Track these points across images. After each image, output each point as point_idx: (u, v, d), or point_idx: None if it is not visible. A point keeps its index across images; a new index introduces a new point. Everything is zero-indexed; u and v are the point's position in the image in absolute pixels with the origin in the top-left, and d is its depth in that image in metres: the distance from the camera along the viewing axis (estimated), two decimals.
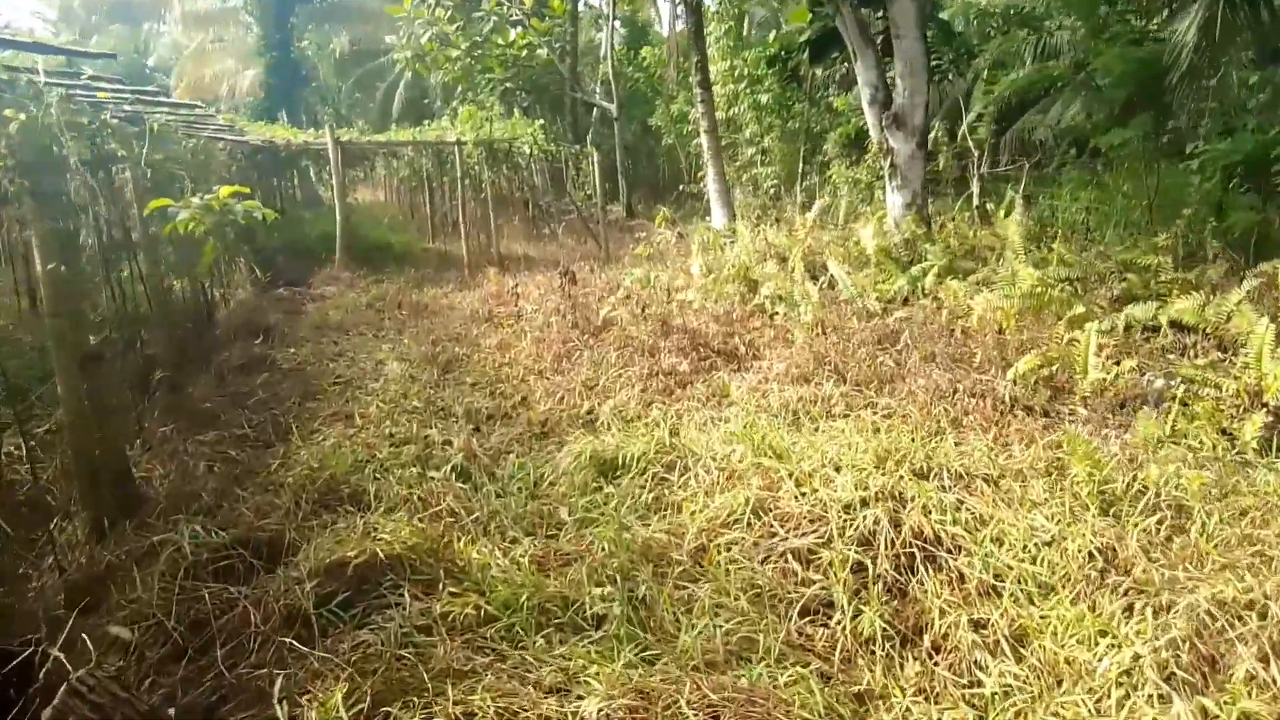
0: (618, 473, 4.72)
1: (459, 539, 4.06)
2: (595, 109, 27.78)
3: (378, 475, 4.78)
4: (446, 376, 7.45)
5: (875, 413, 6.01)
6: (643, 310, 9.09)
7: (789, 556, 3.93)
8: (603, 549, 3.99)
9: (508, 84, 21.01)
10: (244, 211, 6.63)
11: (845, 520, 4.02)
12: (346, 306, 10.37)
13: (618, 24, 23.88)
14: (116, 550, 3.96)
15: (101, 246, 6.48)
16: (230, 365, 7.44)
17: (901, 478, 4.32)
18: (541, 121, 16.31)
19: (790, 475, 4.43)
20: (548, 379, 7.25)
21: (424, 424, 5.91)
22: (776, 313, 9.13)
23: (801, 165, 18.72)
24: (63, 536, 4.23)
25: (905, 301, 9.32)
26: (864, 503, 4.10)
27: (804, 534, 4.02)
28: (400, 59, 21.32)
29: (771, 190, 19.42)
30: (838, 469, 4.53)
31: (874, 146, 14.81)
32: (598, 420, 6.13)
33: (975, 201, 14.13)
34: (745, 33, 19.53)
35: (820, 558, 3.88)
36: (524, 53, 20.80)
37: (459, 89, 21.79)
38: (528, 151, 15.48)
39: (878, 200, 14.94)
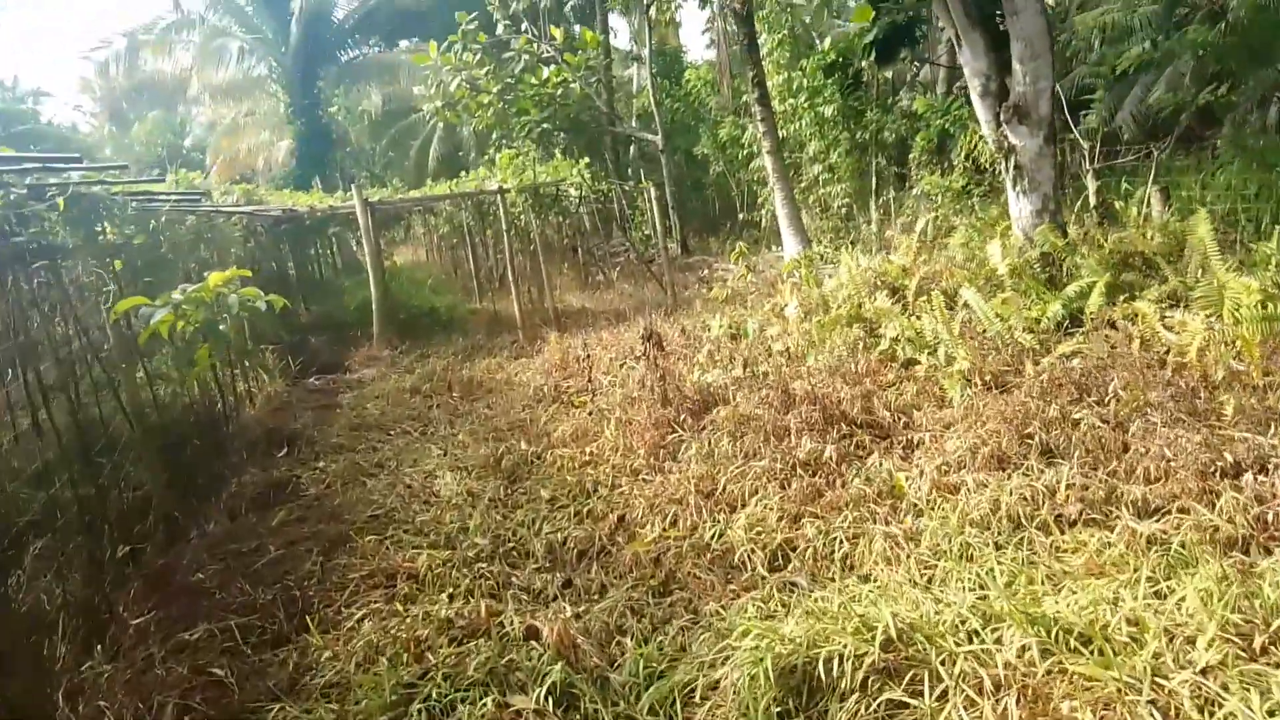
0: (818, 696, 2.91)
1: None
2: (634, 145, 26.41)
3: (433, 713, 3.07)
4: (515, 489, 5.77)
5: (1131, 512, 4.17)
6: (747, 372, 7.34)
7: None
8: None
9: (544, 125, 19.65)
10: (239, 302, 5.06)
11: None
12: (388, 394, 8.80)
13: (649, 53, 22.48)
14: None
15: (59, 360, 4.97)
16: (245, 497, 5.85)
17: None
18: (586, 160, 14.81)
19: (1126, 687, 2.61)
20: (646, 483, 5.53)
21: (494, 587, 4.21)
22: (916, 361, 7.31)
23: (875, 180, 16.92)
24: None
25: (1065, 331, 7.44)
26: None
27: None
28: (430, 109, 20.10)
29: (843, 210, 17.63)
30: (1183, 663, 2.70)
31: (981, 148, 13.00)
32: (734, 554, 4.36)
33: (1093, 200, 12.16)
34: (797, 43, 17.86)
35: None
36: (559, 90, 19.44)
37: (493, 136, 20.53)
38: (576, 194, 13.95)
39: (974, 210, 13.07)
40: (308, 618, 4.01)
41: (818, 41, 18.07)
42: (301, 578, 4.42)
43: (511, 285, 11.79)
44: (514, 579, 4.32)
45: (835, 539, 4.40)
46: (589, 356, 8.37)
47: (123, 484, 5.38)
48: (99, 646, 3.89)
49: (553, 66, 19.49)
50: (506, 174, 12.24)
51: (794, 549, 4.42)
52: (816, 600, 3.79)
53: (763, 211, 20.26)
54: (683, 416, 6.42)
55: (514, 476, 5.99)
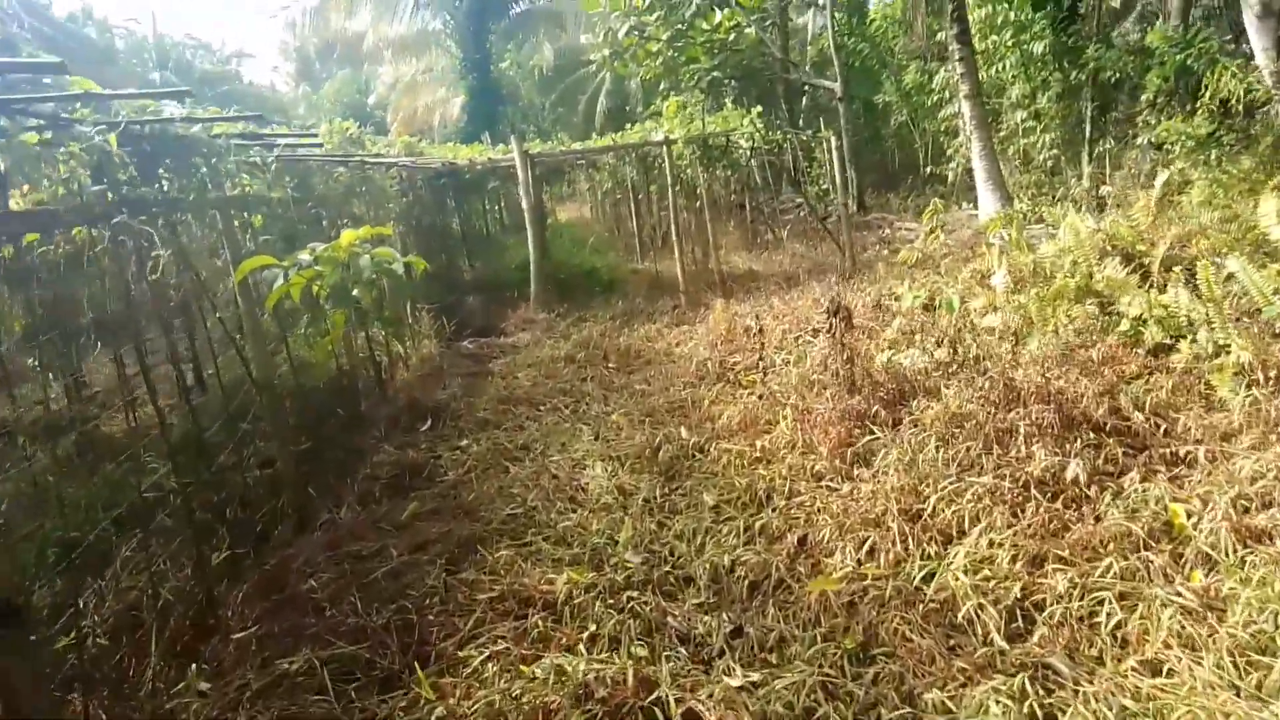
0: None
1: None
2: (806, 95, 24.72)
3: None
4: (673, 489, 4.92)
5: None
6: (953, 355, 6.15)
7: None
8: None
9: (714, 73, 18.48)
10: (371, 265, 4.43)
11: None
12: (541, 363, 8.17)
13: None
14: None
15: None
16: (379, 479, 5.32)
17: None
18: (759, 109, 13.62)
19: None
20: (832, 492, 4.54)
21: (646, 628, 3.39)
22: (1170, 348, 5.89)
23: (1089, 127, 14.75)
24: None
25: None
26: None
27: None
28: (599, 59, 19.38)
29: (1048, 163, 15.55)
30: None
31: (1233, 87, 10.88)
32: (955, 609, 3.33)
33: None
34: None
35: None
36: (730, 35, 18.18)
37: (661, 86, 19.59)
38: (748, 145, 12.82)
39: (1220, 163, 10.92)
40: (425, 652, 3.33)
41: None
42: (422, 595, 3.76)
43: (675, 245, 10.91)
44: (670, 618, 3.48)
45: (1097, 598, 3.28)
46: (760, 329, 7.36)
47: (250, 462, 4.95)
48: (194, 664, 3.37)
49: (725, 10, 18.25)
50: (673, 124, 11.31)
51: (1038, 608, 3.34)
52: (1086, 699, 2.74)
53: (951, 165, 18.33)
54: (874, 409, 5.35)
55: (672, 472, 5.14)
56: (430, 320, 9.42)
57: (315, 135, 6.06)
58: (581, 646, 3.30)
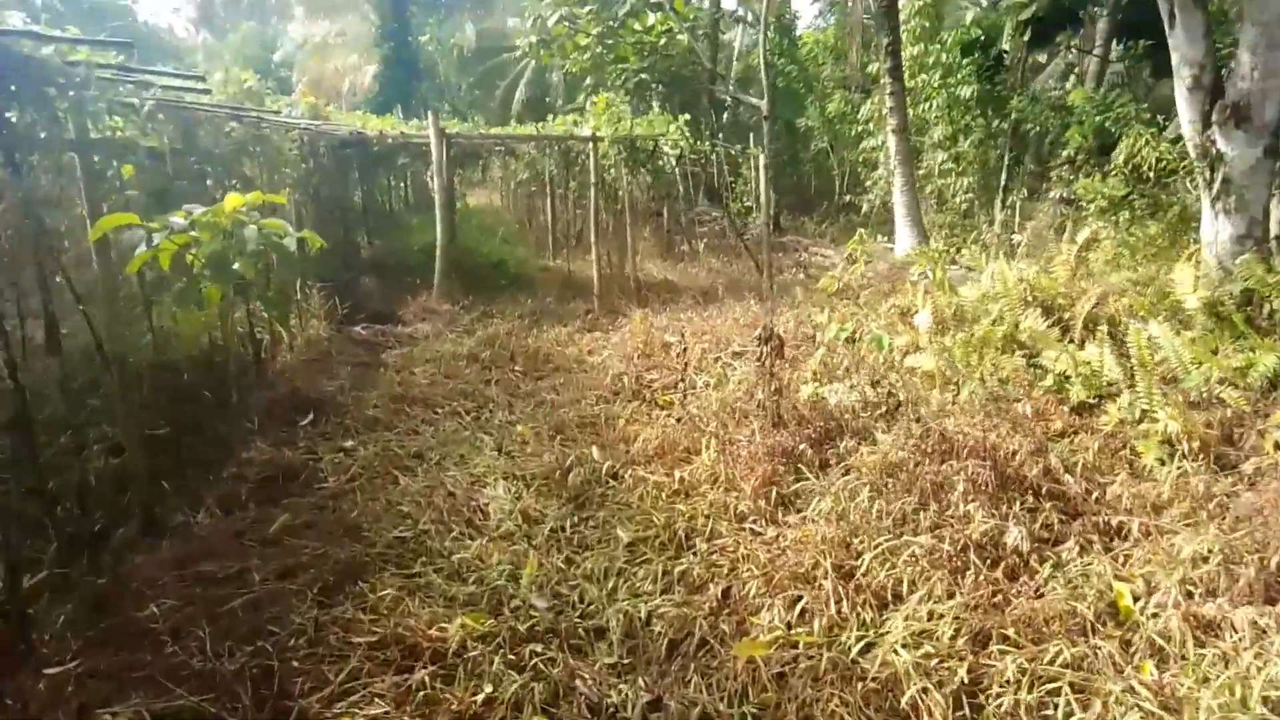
0: None
1: None
2: (728, 110, 24.65)
3: None
4: (584, 518, 4.46)
5: None
6: (879, 394, 5.91)
7: None
8: None
9: (641, 75, 18.11)
10: (258, 237, 3.81)
11: None
12: (441, 359, 7.55)
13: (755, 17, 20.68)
14: None
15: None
16: (247, 480, 4.65)
17: None
18: (687, 117, 13.32)
19: None
20: (757, 537, 4.18)
21: (550, 694, 2.91)
22: (1092, 406, 5.82)
23: (1005, 175, 15.09)
24: None
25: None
26: None
27: None
28: (524, 45, 18.72)
29: (963, 205, 15.85)
30: None
31: (1146, 154, 11.22)
32: (898, 691, 3.00)
33: None
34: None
35: None
36: (662, 40, 17.85)
37: (585, 82, 19.07)
38: (673, 152, 12.48)
39: (1126, 226, 11.25)
40: (285, 709, 2.76)
41: (961, 13, 16.18)
42: (288, 635, 3.17)
43: (592, 246, 10.44)
44: (580, 681, 3.02)
45: (1051, 687, 3.01)
46: (685, 348, 6.98)
47: (93, 448, 4.22)
48: None
49: (659, 14, 17.92)
50: (600, 121, 10.84)
51: (986, 692, 3.04)
52: None
53: (868, 197, 18.53)
54: (801, 446, 5.03)
55: (583, 499, 4.67)
56: (321, 299, 8.64)
57: (204, 81, 5.31)
58: (474, 711, 2.81)
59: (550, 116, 16.70)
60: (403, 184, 21.76)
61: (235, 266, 4.14)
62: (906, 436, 4.92)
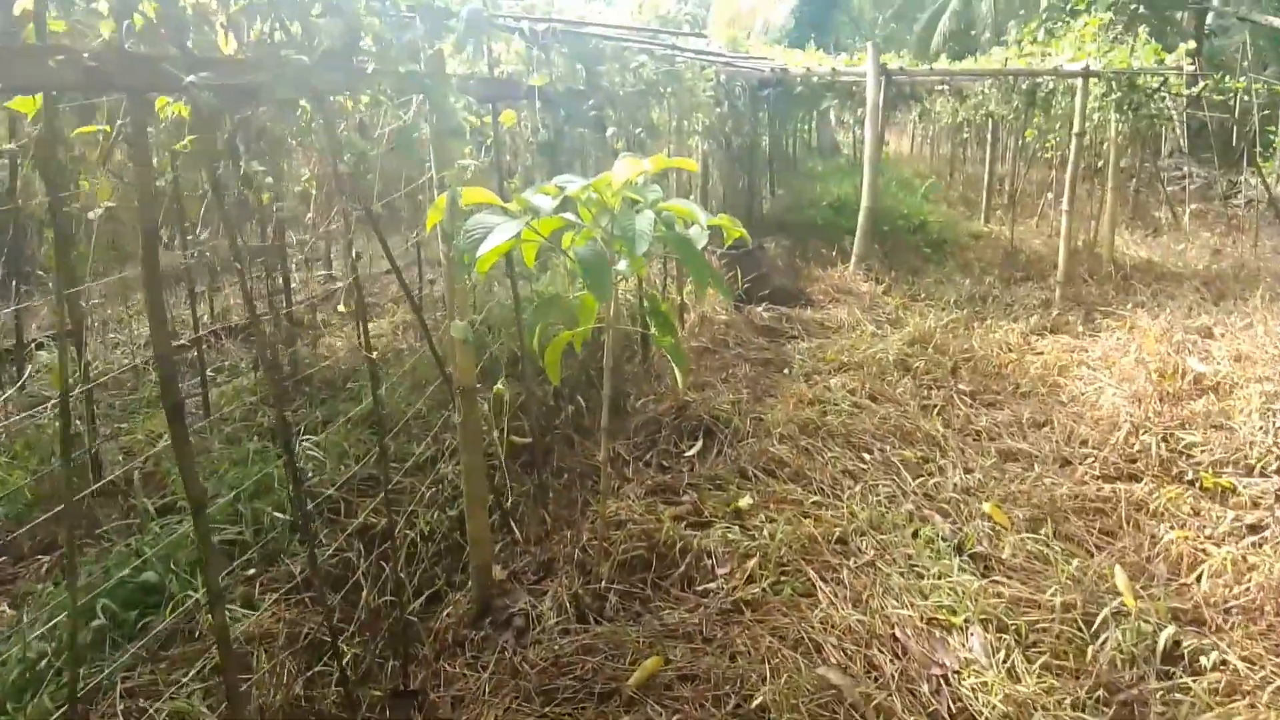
0: None
1: None
2: (1210, 35, 19.07)
3: None
4: None
5: None
6: None
7: None
8: None
9: None
10: (653, 227, 2.36)
11: None
12: (863, 363, 5.80)
13: None
14: None
15: None
16: (603, 552, 3.36)
17: None
18: (1194, 43, 9.89)
19: None
20: None
21: None
22: None
23: None
24: None
25: None
26: None
27: None
28: None
29: None
30: None
31: None
32: None
33: None
34: None
35: None
36: None
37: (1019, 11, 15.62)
38: (1176, 93, 9.28)
39: None
40: None
41: None
42: None
43: (1063, 216, 7.91)
44: None
45: None
46: (1227, 385, 4.49)
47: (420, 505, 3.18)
48: None
49: None
50: (1092, 51, 8.12)
51: None
52: None
53: None
54: None
55: (1125, 698, 2.71)
56: (721, 269, 7.31)
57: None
58: None
59: (974, 55, 13.82)
60: (806, 127, 20.09)
61: (621, 266, 2.76)
62: None
